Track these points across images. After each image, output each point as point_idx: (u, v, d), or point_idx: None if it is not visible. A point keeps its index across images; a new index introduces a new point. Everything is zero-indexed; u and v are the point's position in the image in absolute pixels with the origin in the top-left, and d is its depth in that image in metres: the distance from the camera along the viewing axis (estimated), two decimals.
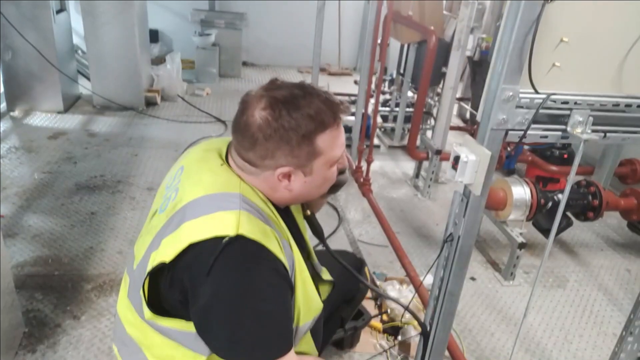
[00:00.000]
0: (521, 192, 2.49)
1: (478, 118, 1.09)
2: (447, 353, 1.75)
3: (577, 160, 1.13)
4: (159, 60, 5.39)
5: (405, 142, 3.92)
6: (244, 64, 6.36)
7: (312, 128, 1.04)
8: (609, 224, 3.24)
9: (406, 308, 1.48)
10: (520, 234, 2.53)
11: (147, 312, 1.06)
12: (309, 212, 1.37)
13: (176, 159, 1.28)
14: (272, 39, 6.55)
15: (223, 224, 0.98)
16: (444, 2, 3.63)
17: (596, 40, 1.08)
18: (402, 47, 4.02)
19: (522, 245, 2.48)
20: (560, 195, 2.54)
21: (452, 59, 3.11)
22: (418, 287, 2.13)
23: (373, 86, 4.02)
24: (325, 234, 1.48)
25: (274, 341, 1.01)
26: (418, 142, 3.42)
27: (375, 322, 2.12)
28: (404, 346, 2.03)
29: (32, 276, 2.24)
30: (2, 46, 3.81)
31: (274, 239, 1.03)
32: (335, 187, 1.26)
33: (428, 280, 2.07)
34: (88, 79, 4.54)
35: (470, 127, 4.39)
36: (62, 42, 4.15)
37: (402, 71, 4.07)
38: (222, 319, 0.98)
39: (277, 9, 6.33)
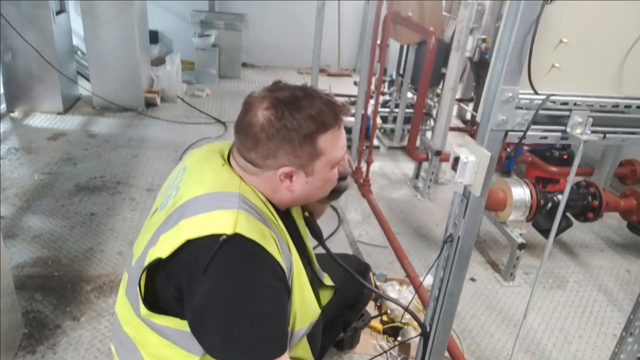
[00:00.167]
0: (521, 192, 2.49)
1: (478, 119, 1.09)
2: (447, 354, 1.75)
3: (576, 161, 1.13)
4: (158, 61, 5.39)
5: (405, 143, 3.92)
6: (244, 65, 6.37)
7: (313, 128, 1.05)
8: (609, 225, 3.24)
9: (406, 309, 1.48)
10: (520, 234, 2.53)
11: (143, 309, 1.06)
12: (307, 214, 1.37)
13: (176, 160, 1.29)
14: (271, 40, 6.56)
15: (221, 222, 0.98)
16: (444, 2, 3.64)
17: (596, 41, 1.08)
18: (401, 48, 4.02)
19: (521, 246, 2.48)
20: (560, 196, 2.54)
21: (452, 59, 3.11)
22: (418, 288, 2.13)
23: (373, 87, 4.03)
24: (325, 235, 1.48)
25: (269, 343, 1.01)
26: (418, 143, 3.43)
27: (375, 323, 2.12)
28: (404, 347, 2.03)
29: (31, 277, 2.24)
30: (2, 47, 3.81)
31: (272, 240, 1.03)
32: (337, 193, 1.27)
33: (428, 281, 2.07)
34: (88, 80, 4.55)
35: (470, 128, 4.39)
36: (61, 43, 4.15)
37: (401, 72, 4.07)
38: (217, 318, 0.98)
39: (277, 10, 6.33)
